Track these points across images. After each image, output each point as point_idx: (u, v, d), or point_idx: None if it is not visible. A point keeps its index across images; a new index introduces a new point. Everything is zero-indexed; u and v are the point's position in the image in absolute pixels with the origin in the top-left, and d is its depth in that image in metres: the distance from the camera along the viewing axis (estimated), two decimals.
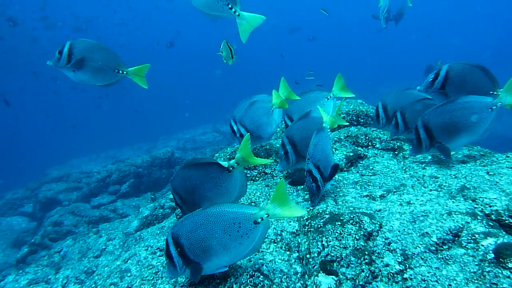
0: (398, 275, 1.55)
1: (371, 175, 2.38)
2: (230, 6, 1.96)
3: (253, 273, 1.64)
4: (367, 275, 1.58)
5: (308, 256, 1.74)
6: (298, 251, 1.85)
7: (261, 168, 2.61)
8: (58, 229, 6.43)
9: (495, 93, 2.23)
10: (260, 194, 2.29)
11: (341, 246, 1.67)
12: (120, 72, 2.36)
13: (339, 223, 1.78)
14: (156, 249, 2.37)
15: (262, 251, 1.79)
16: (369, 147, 2.71)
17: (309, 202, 2.13)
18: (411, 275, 1.52)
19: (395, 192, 2.10)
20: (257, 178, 2.57)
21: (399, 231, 1.72)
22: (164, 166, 8.49)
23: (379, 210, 1.92)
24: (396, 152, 2.61)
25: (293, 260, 1.80)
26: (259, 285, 1.59)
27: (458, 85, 2.35)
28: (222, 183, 1.84)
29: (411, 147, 2.35)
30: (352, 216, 1.80)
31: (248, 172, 2.60)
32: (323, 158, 2.00)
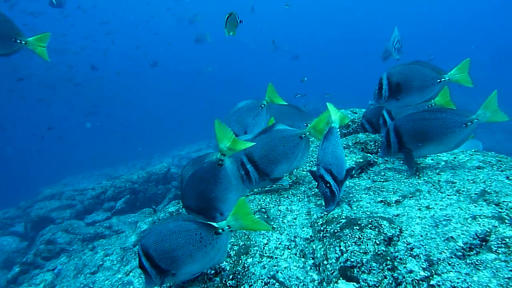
0: (424, 282, 1.45)
1: (383, 181, 2.29)
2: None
3: (268, 280, 1.53)
4: (390, 281, 1.47)
5: (325, 262, 1.64)
6: (313, 258, 1.74)
7: None
8: (51, 247, 6.22)
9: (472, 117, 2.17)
10: (270, 200, 2.19)
11: (361, 251, 1.57)
12: (19, 41, 2.22)
13: (357, 227, 1.68)
14: None
15: (276, 258, 1.68)
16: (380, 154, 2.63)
17: (322, 207, 2.03)
18: (438, 281, 1.42)
19: (411, 197, 2.01)
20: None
21: (421, 236, 1.63)
22: (161, 182, 8.35)
23: (397, 215, 1.83)
24: None
25: (308, 267, 1.69)
26: None
27: (406, 86, 2.34)
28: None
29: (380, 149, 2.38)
30: (370, 220, 1.70)
31: None
32: (335, 162, 1.92)
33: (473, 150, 2.43)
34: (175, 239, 1.50)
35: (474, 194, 1.87)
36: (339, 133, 2.07)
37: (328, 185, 1.90)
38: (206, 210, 1.78)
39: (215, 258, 1.55)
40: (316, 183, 2.15)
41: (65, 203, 8.35)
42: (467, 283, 1.36)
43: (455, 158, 2.37)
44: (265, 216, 2.02)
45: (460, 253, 1.49)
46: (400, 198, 2.02)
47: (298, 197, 2.21)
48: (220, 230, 1.52)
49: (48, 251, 6.12)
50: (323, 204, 2.09)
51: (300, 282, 1.58)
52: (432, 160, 2.42)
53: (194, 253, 1.52)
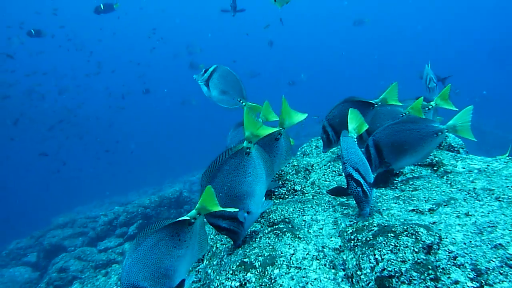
0: None
1: (412, 190, 2.16)
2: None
3: None
4: None
5: (358, 273, 1.50)
6: (344, 269, 1.60)
7: (290, 185, 2.40)
8: (64, 275, 6.11)
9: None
10: (293, 210, 2.06)
11: (399, 259, 1.43)
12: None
13: (392, 234, 1.55)
14: None
15: (304, 269, 1.54)
16: None
17: (350, 216, 1.90)
18: None
19: (445, 205, 1.87)
20: (286, 196, 2.35)
21: (464, 244, 1.48)
22: (173, 206, 8.24)
23: (434, 223, 1.69)
24: (435, 168, 2.40)
25: (340, 279, 1.55)
26: None
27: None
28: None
29: None
30: (406, 228, 1.57)
31: (276, 190, 2.39)
32: (361, 162, 1.80)
33: (508, 158, 2.29)
34: (156, 253, 1.43)
35: None
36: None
37: (359, 183, 1.76)
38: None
39: (195, 247, 1.56)
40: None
41: (78, 230, 8.28)
42: None
43: (488, 166, 2.23)
44: (289, 226, 1.89)
45: (511, 262, 1.34)
46: (434, 206, 1.88)
47: (323, 207, 2.08)
48: (193, 220, 1.50)
49: (60, 279, 6.00)
50: (350, 213, 1.96)
51: None
52: (464, 168, 2.28)
53: (180, 253, 1.49)
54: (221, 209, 1.51)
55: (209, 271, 1.92)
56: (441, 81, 4.12)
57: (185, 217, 1.49)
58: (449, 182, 2.17)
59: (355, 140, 1.96)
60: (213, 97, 2.74)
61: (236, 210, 1.61)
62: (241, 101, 2.68)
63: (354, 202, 2.08)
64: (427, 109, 2.46)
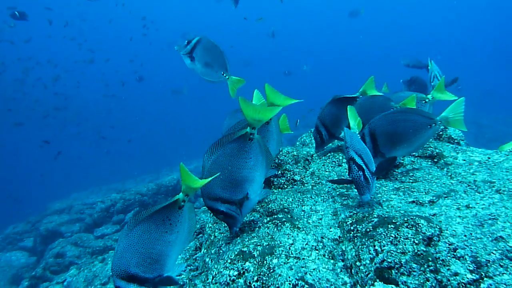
0: (472, 286, 1.30)
1: (412, 182, 2.14)
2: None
3: (296, 282, 1.38)
4: (434, 284, 1.33)
5: (358, 263, 1.49)
6: (343, 260, 1.59)
7: (289, 175, 2.38)
8: (60, 261, 6.12)
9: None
10: (292, 200, 2.05)
11: (399, 251, 1.42)
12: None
13: (392, 226, 1.54)
14: None
15: (303, 259, 1.54)
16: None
17: (349, 207, 1.89)
18: (490, 284, 1.26)
19: (445, 197, 1.86)
20: (285, 186, 2.34)
21: (465, 236, 1.47)
22: (170, 194, 8.23)
23: (434, 215, 1.68)
24: (435, 160, 2.38)
25: (338, 270, 1.54)
26: None
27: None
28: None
29: None
30: (406, 219, 1.56)
31: (275, 179, 2.37)
32: (364, 151, 1.79)
33: (509, 150, 2.27)
34: (148, 238, 1.42)
35: None
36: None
37: (360, 168, 1.72)
38: (234, 194, 1.66)
39: (190, 230, 1.56)
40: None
41: (74, 217, 8.26)
42: None
43: (489, 158, 2.21)
44: (289, 216, 1.88)
45: (511, 254, 1.33)
46: (434, 198, 1.87)
47: (322, 197, 2.07)
48: (182, 203, 1.51)
49: (57, 265, 6.01)
50: (350, 204, 1.95)
51: (331, 285, 1.43)
52: (464, 160, 2.26)
53: (171, 239, 1.48)
54: (203, 182, 1.49)
55: (207, 259, 1.91)
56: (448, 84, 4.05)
57: (174, 199, 1.49)
58: (449, 174, 2.16)
59: (358, 135, 1.95)
60: (196, 69, 2.66)
61: (217, 174, 1.59)
62: (225, 75, 2.62)
63: (354, 193, 2.08)
64: (424, 102, 2.44)
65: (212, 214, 1.73)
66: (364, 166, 1.71)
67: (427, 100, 2.44)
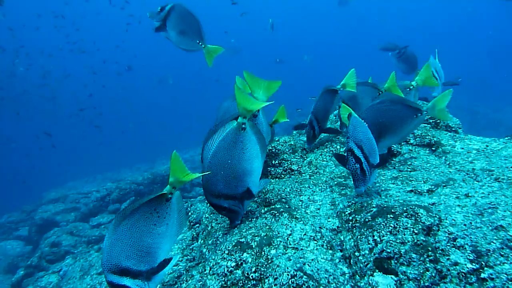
0: (472, 275, 1.29)
1: (410, 171, 2.13)
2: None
3: (295, 273, 1.37)
4: (433, 274, 1.31)
5: (357, 254, 1.48)
6: (341, 250, 1.58)
7: (286, 164, 2.36)
8: (56, 250, 6.10)
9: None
10: (290, 190, 2.03)
11: (398, 241, 1.41)
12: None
13: (391, 216, 1.52)
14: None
15: (302, 249, 1.52)
16: (403, 143, 2.46)
17: (347, 197, 1.87)
18: (491, 274, 1.25)
19: (444, 186, 1.84)
20: (282, 176, 2.31)
21: (464, 225, 1.46)
22: (166, 183, 8.18)
23: (433, 204, 1.66)
24: (433, 148, 2.37)
25: (337, 260, 1.53)
26: (303, 286, 1.32)
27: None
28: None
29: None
30: (405, 209, 1.54)
31: (273, 169, 2.35)
32: (367, 141, 1.74)
33: (507, 138, 2.26)
34: (136, 231, 1.39)
35: None
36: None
37: (358, 160, 1.69)
38: (236, 189, 1.63)
39: (180, 222, 1.53)
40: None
41: (70, 206, 8.22)
42: None
43: (487, 146, 2.20)
44: (286, 206, 1.86)
45: None
46: (433, 187, 1.86)
47: (320, 187, 2.05)
48: (170, 195, 1.48)
49: (53, 254, 5.99)
50: (348, 194, 1.93)
51: (330, 275, 1.42)
52: (462, 148, 2.25)
53: (161, 231, 1.45)
54: (193, 176, 1.47)
55: (204, 250, 1.89)
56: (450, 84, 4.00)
57: (161, 192, 1.46)
58: (447, 162, 2.15)
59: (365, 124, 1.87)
60: (170, 37, 2.58)
61: (208, 172, 1.57)
62: (200, 43, 2.56)
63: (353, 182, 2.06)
64: (408, 89, 2.42)
65: (211, 208, 1.70)
66: (362, 158, 1.68)
67: (411, 87, 2.42)
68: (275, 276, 1.36)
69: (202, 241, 2.00)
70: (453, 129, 2.78)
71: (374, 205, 1.66)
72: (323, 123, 2.47)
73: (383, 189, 1.91)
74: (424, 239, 1.42)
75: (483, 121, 13.18)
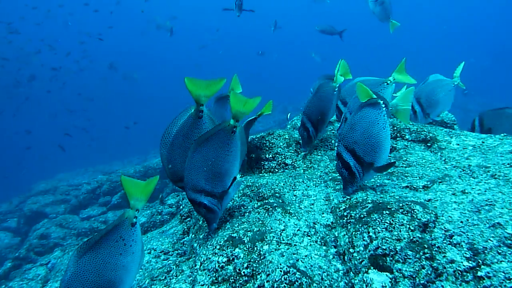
0: (469, 273, 1.26)
1: (405, 166, 2.10)
2: None
3: (288, 269, 1.33)
4: (429, 272, 1.28)
5: (351, 250, 1.44)
6: (335, 246, 1.55)
7: (280, 158, 2.32)
8: (45, 242, 6.03)
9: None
10: (284, 185, 1.98)
11: (394, 238, 1.38)
12: None
13: (387, 212, 1.49)
14: (160, 252, 2.07)
15: (295, 245, 1.48)
16: (398, 139, 2.43)
17: (341, 192, 1.84)
18: (488, 272, 1.22)
19: (440, 182, 1.82)
20: (276, 170, 2.27)
21: (461, 222, 1.43)
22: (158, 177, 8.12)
23: (429, 200, 1.64)
24: (429, 144, 2.34)
25: (331, 256, 1.49)
26: (296, 283, 1.28)
27: None
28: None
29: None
30: (401, 205, 1.51)
31: (266, 163, 2.30)
32: (362, 140, 1.70)
33: (503, 135, 2.24)
34: (101, 261, 1.25)
35: None
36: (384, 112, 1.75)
37: (345, 166, 1.69)
38: (216, 187, 1.59)
39: (138, 253, 1.38)
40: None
41: (60, 198, 8.13)
42: None
43: (483, 142, 2.18)
44: (280, 201, 1.82)
45: (510, 241, 1.30)
46: (428, 183, 1.83)
47: (314, 182, 2.01)
48: (134, 220, 1.35)
49: (41, 246, 5.92)
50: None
51: (324, 272, 1.38)
52: (458, 145, 2.23)
53: (126, 263, 1.31)
54: (151, 188, 1.38)
55: (195, 245, 1.85)
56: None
57: (124, 217, 1.34)
58: (443, 158, 2.12)
59: (381, 109, 1.73)
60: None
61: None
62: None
63: None
64: (386, 84, 2.40)
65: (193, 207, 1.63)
66: (352, 162, 1.67)
67: (388, 82, 2.39)
68: (267, 272, 1.32)
69: (193, 235, 1.96)
70: (449, 125, 2.77)
71: (369, 201, 1.63)
72: (320, 125, 2.31)
73: (378, 184, 1.88)
74: (420, 236, 1.39)
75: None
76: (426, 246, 1.35)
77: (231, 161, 1.63)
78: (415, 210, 1.48)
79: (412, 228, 1.41)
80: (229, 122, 1.59)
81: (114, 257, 1.28)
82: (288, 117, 5.39)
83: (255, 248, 1.44)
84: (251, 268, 1.36)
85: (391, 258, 1.33)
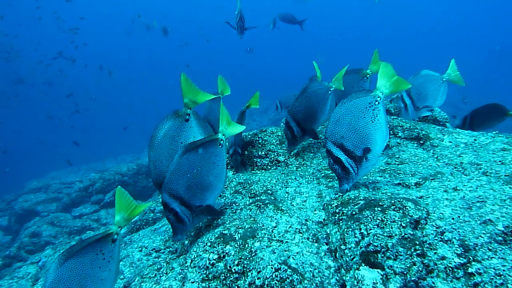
0: (459, 270, 1.26)
1: (398, 164, 2.10)
2: None
3: (279, 266, 1.32)
4: (420, 269, 1.28)
5: (343, 247, 1.43)
6: (327, 243, 1.54)
7: (273, 156, 2.31)
8: (36, 240, 5.97)
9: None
10: (276, 182, 1.97)
11: (385, 234, 1.37)
12: None
13: (379, 208, 1.48)
14: (152, 249, 2.05)
15: (286, 242, 1.47)
16: (391, 136, 2.43)
17: (334, 189, 1.83)
18: (478, 269, 1.22)
19: (432, 179, 1.82)
20: (268, 167, 2.26)
21: (452, 219, 1.43)
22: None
23: (421, 197, 1.64)
24: (421, 141, 2.34)
25: (322, 253, 1.49)
26: (287, 280, 1.27)
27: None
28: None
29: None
30: (393, 202, 1.50)
31: (259, 160, 2.29)
32: (350, 135, 1.66)
33: (495, 132, 2.25)
34: (80, 273, 1.23)
35: (505, 175, 1.69)
36: (379, 103, 1.67)
37: (337, 160, 1.66)
38: (195, 199, 1.55)
39: (113, 271, 1.35)
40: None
41: (52, 196, 8.04)
42: None
43: (475, 140, 2.18)
44: (272, 198, 1.81)
45: (500, 238, 1.30)
46: (420, 180, 1.83)
47: (307, 179, 2.00)
48: (115, 236, 1.36)
49: (32, 244, 5.86)
50: (335, 185, 1.89)
51: (315, 269, 1.37)
52: (450, 142, 2.23)
53: (104, 276, 1.30)
54: (141, 208, 1.39)
55: (186, 241, 1.84)
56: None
57: (107, 232, 1.34)
58: (435, 156, 2.13)
59: (379, 98, 1.68)
60: None
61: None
62: None
63: None
64: (365, 78, 2.41)
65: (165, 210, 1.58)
66: (343, 157, 1.64)
67: (367, 76, 2.41)
68: (258, 269, 1.31)
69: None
70: (441, 122, 2.77)
71: (361, 198, 1.62)
72: (306, 125, 2.22)
73: (370, 181, 1.87)
74: (411, 232, 1.38)
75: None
76: (417, 243, 1.34)
77: (215, 175, 1.59)
78: (407, 207, 1.47)
79: (404, 224, 1.40)
80: (217, 135, 1.59)
81: (94, 269, 1.27)
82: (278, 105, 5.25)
83: (246, 245, 1.43)
84: (242, 265, 1.34)
85: (382, 255, 1.32)
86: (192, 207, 1.55)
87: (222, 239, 1.48)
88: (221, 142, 1.61)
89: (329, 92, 2.25)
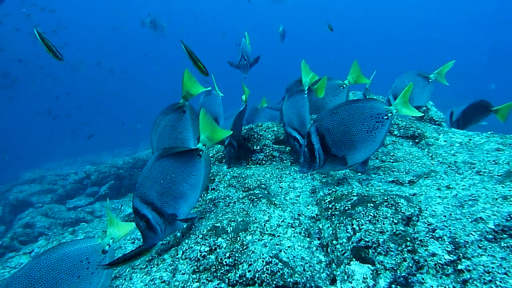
0: (449, 267, 1.26)
1: (393, 161, 2.10)
2: None
3: (270, 260, 1.32)
4: (410, 265, 1.28)
5: (334, 242, 1.44)
6: (319, 238, 1.54)
7: (268, 151, 2.30)
8: (29, 231, 5.95)
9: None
10: (270, 176, 1.97)
11: (377, 230, 1.38)
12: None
13: (372, 205, 1.48)
14: None
15: (278, 236, 1.47)
16: (387, 134, 2.43)
17: (328, 185, 1.83)
18: (468, 266, 1.23)
19: (426, 177, 1.82)
20: (263, 162, 2.26)
21: (444, 216, 1.44)
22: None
23: (414, 194, 1.64)
24: (417, 140, 2.35)
25: (314, 248, 1.49)
26: (278, 273, 1.27)
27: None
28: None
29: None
30: (386, 198, 1.51)
31: (254, 155, 2.29)
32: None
33: (490, 132, 2.25)
34: (53, 277, 1.16)
35: (498, 175, 1.70)
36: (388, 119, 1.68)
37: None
38: (167, 206, 1.50)
39: (99, 285, 1.29)
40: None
41: (46, 187, 7.99)
42: (504, 268, 1.17)
43: (470, 140, 2.19)
44: (266, 192, 1.81)
45: (491, 236, 1.30)
46: (414, 178, 1.84)
47: (301, 174, 2.00)
48: (107, 247, 1.33)
49: (26, 235, 5.84)
50: (329, 182, 1.90)
51: (306, 263, 1.37)
52: (445, 141, 2.24)
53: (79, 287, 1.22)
54: (129, 228, 1.41)
55: (178, 234, 1.83)
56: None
57: (97, 242, 1.31)
58: (430, 154, 2.13)
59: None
60: None
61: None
62: None
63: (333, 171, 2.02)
64: (342, 88, 2.40)
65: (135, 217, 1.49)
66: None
67: (344, 86, 2.40)
68: (249, 262, 1.31)
69: None
70: (437, 122, 2.78)
71: (354, 194, 1.62)
72: (302, 130, 2.08)
73: (364, 178, 1.88)
74: (403, 229, 1.39)
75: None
76: (408, 239, 1.35)
77: (190, 184, 1.55)
78: (399, 204, 1.48)
79: (396, 221, 1.40)
80: (197, 146, 1.58)
81: (69, 277, 1.20)
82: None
83: (238, 238, 1.43)
84: (233, 257, 1.34)
85: (373, 250, 1.32)
86: (164, 214, 1.47)
87: (214, 231, 1.48)
88: (200, 153, 1.57)
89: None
